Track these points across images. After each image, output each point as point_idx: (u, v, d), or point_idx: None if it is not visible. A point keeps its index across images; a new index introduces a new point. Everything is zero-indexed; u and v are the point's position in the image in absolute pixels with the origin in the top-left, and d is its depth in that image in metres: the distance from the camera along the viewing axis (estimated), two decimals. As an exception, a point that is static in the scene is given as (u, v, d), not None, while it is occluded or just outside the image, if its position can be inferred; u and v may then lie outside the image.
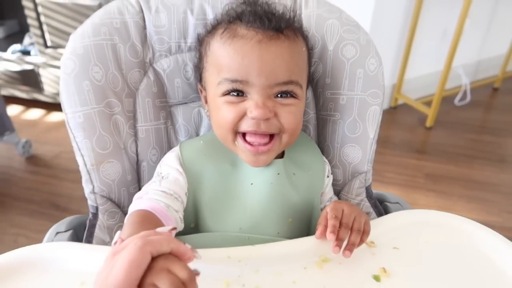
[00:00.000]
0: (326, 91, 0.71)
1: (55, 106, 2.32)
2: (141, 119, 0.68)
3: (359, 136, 0.69)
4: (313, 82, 0.72)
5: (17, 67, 2.28)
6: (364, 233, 0.56)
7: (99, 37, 0.64)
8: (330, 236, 0.53)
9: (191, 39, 0.69)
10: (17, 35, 2.47)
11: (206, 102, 0.65)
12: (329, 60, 0.69)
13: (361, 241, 0.55)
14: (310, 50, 0.66)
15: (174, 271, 0.37)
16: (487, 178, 1.90)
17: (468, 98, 2.50)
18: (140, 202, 0.55)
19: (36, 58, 2.19)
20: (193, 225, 0.62)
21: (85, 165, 0.63)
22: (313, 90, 0.72)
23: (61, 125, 2.20)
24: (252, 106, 0.56)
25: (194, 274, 0.39)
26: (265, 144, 0.59)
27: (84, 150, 0.63)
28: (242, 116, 0.58)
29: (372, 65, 0.67)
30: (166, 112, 0.71)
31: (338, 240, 0.54)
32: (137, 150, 0.69)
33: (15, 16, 2.52)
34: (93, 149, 0.63)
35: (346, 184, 0.72)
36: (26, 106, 2.35)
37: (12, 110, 2.27)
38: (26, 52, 2.26)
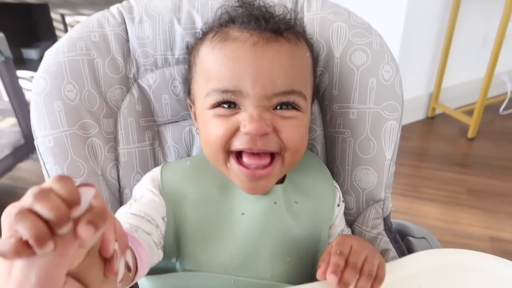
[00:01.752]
0: (333, 105, 0.61)
1: None
2: (122, 141, 0.61)
3: (373, 157, 0.59)
4: (319, 94, 0.62)
5: None
6: (376, 279, 0.46)
7: (74, 52, 0.57)
8: (331, 278, 0.44)
9: (178, 51, 0.62)
10: None
11: (196, 118, 0.57)
12: (336, 68, 0.59)
13: None
14: (315, 58, 0.57)
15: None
16: (538, 194, 1.75)
17: None
18: None
19: None
20: (174, 259, 0.53)
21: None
22: (319, 103, 0.63)
23: None
24: (246, 119, 0.47)
25: (65, 177, 0.28)
26: (265, 166, 0.49)
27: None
28: (235, 131, 0.49)
29: (387, 73, 0.57)
30: (152, 132, 0.64)
31: (342, 284, 0.44)
32: (118, 176, 0.61)
33: (50, 38, 2.62)
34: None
35: (360, 214, 0.61)
36: None
37: None
38: None
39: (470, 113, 2.12)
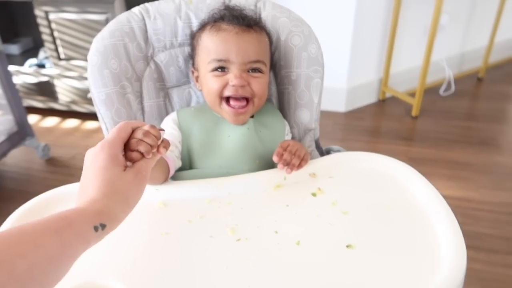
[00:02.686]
0: (281, 71, 0.95)
1: (69, 114, 2.56)
2: (146, 97, 0.93)
3: (307, 102, 0.93)
4: (273, 65, 0.96)
5: (34, 80, 2.52)
6: (303, 159, 0.80)
7: (114, 38, 0.89)
8: (275, 157, 0.78)
9: (180, 38, 0.94)
10: (31, 50, 2.73)
11: (197, 80, 0.90)
12: (282, 47, 0.93)
13: (300, 165, 0.79)
14: (271, 42, 0.91)
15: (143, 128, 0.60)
16: (466, 159, 2.07)
17: (453, 88, 2.67)
18: None
19: (51, 70, 2.43)
20: (188, 167, 0.87)
21: (107, 130, 0.88)
22: (273, 71, 0.96)
23: (75, 130, 2.45)
24: (232, 77, 0.81)
25: (154, 126, 0.61)
26: (243, 107, 0.83)
27: (106, 119, 0.88)
28: (225, 85, 0.82)
29: (313, 49, 0.91)
30: (164, 92, 0.96)
31: (283, 160, 0.78)
32: (144, 120, 0.93)
33: (28, 33, 2.79)
34: (112, 118, 0.88)
35: (301, 140, 0.95)
36: (43, 115, 2.59)
37: (31, 118, 2.45)
38: (41, 66, 2.50)
39: (414, 95, 2.40)
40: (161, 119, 0.94)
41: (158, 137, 0.60)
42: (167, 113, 0.96)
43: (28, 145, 2.09)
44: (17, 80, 2.53)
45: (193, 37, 0.90)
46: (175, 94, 0.97)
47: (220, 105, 0.84)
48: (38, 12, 2.22)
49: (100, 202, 0.50)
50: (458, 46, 2.82)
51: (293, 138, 0.96)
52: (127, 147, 0.58)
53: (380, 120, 2.51)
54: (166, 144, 0.61)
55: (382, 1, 2.31)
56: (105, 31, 0.90)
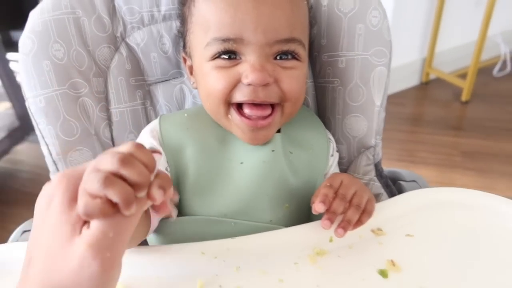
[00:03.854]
0: (322, 54, 0.61)
1: None
2: (114, 100, 0.61)
3: (363, 104, 0.60)
4: (310, 46, 0.62)
5: None
6: (365, 212, 0.47)
7: (59, 11, 0.57)
8: (319, 206, 0.45)
9: (165, 7, 0.62)
10: None
11: (191, 73, 0.58)
12: (324, 17, 0.59)
13: (360, 221, 0.47)
14: (309, 7, 0.57)
15: (117, 150, 0.31)
16: (531, 153, 1.80)
17: (509, 68, 2.40)
18: None
19: None
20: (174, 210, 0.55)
21: (50, 154, 0.58)
22: (308, 54, 0.63)
23: None
24: (248, 69, 0.48)
25: (141, 145, 0.32)
26: (265, 117, 0.50)
27: (48, 138, 0.57)
28: (236, 83, 0.50)
29: (374, 18, 0.57)
30: (143, 91, 0.64)
31: (330, 213, 0.46)
32: (112, 135, 0.62)
33: None
34: (58, 136, 0.57)
35: (352, 162, 0.62)
36: None
37: None
38: None
39: (464, 76, 2.14)
40: (139, 132, 0.62)
41: (150, 168, 0.31)
42: (148, 123, 0.64)
43: (33, 141, 1.89)
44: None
45: (184, 2, 0.57)
46: (159, 93, 0.65)
47: (227, 114, 0.52)
48: None
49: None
50: None
51: (340, 160, 0.62)
52: None
53: (423, 106, 2.23)
54: (164, 182, 0.32)
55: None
56: (48, 0, 0.58)
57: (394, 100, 2.24)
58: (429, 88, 2.31)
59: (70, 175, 0.31)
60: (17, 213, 1.62)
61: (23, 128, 1.83)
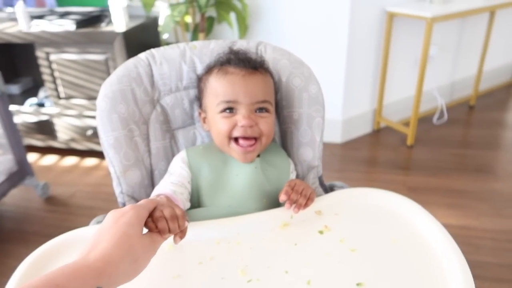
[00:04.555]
0: (283, 110, 0.98)
1: (68, 152, 2.57)
2: (153, 139, 0.96)
3: (309, 141, 0.96)
4: (276, 105, 0.99)
5: (34, 119, 2.53)
6: (309, 199, 0.82)
7: (121, 84, 0.92)
8: (282, 197, 0.80)
9: (185, 81, 0.98)
10: (31, 90, 2.76)
11: (204, 122, 0.93)
12: (284, 88, 0.96)
13: (306, 204, 0.81)
14: (275, 82, 0.94)
15: (174, 208, 0.66)
16: (464, 186, 2.08)
17: (446, 117, 2.72)
18: (157, 189, 0.83)
19: (51, 109, 2.44)
20: (196, 205, 0.88)
21: (115, 172, 0.90)
22: (276, 111, 1.00)
23: (75, 168, 2.44)
24: (241, 117, 0.84)
25: (185, 214, 0.66)
26: (251, 145, 0.86)
27: (115, 162, 0.89)
28: (234, 126, 0.85)
29: (313, 89, 0.95)
30: (170, 134, 0.99)
31: (290, 200, 0.80)
32: (150, 162, 0.95)
33: (29, 73, 2.83)
34: (121, 161, 0.90)
35: (305, 177, 0.98)
36: (42, 153, 2.60)
37: (30, 157, 2.44)
38: (41, 105, 2.52)
39: (408, 124, 2.44)
40: (167, 160, 0.96)
41: (181, 227, 0.66)
42: (173, 155, 0.98)
43: (28, 184, 2.09)
44: (17, 119, 2.54)
45: (200, 80, 0.94)
46: (180, 135, 1.00)
47: (228, 144, 0.87)
48: (40, 53, 2.27)
49: (107, 260, 0.50)
50: (448, 76, 2.87)
51: (297, 176, 0.98)
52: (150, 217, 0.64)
53: (376, 150, 2.53)
54: (183, 234, 0.68)
55: (373, 35, 2.38)
56: (113, 77, 0.93)
57: (351, 145, 2.54)
58: (380, 134, 2.62)
59: (136, 206, 0.61)
60: (16, 250, 1.76)
61: (20, 172, 2.03)
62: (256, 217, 0.82)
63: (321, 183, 0.97)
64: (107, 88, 0.91)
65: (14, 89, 2.75)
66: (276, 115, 1.00)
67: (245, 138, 0.85)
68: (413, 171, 2.27)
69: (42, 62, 2.30)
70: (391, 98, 2.62)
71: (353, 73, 2.40)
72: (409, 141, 2.47)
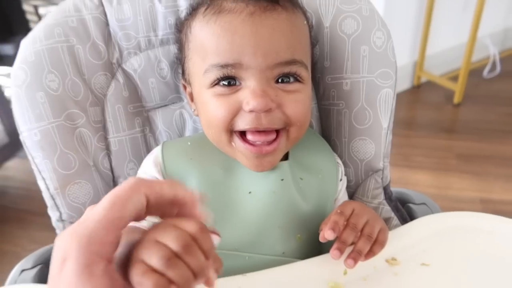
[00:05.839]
0: (326, 76, 0.60)
1: None
2: (112, 129, 0.59)
3: (370, 127, 0.58)
4: (312, 68, 0.61)
5: None
6: (376, 242, 0.46)
7: (52, 39, 0.55)
8: (328, 233, 0.44)
9: (162, 31, 0.60)
10: None
11: (192, 99, 0.56)
12: (326, 38, 0.58)
13: (371, 251, 0.46)
14: (310, 27, 0.55)
15: (180, 225, 0.31)
16: (525, 153, 1.81)
17: (498, 69, 2.41)
18: None
19: None
20: None
21: (48, 189, 0.55)
22: (312, 78, 0.61)
23: None
24: (249, 95, 0.46)
25: (204, 226, 0.32)
26: (270, 142, 0.48)
27: (45, 173, 0.54)
28: (237, 110, 0.47)
29: (379, 40, 0.56)
30: (142, 118, 0.62)
31: (340, 242, 0.44)
32: (111, 165, 0.60)
33: (24, 31, 2.55)
34: (55, 170, 0.54)
35: (360, 186, 0.61)
36: None
37: None
38: None
39: (455, 79, 2.15)
40: (138, 161, 0.61)
41: (208, 256, 0.32)
42: (148, 151, 0.62)
43: (23, 156, 1.87)
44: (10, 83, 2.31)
45: (180, 29, 0.55)
46: (158, 119, 0.63)
47: (230, 142, 0.50)
48: (27, 7, 2.09)
49: None
50: (501, 21, 2.55)
51: (347, 183, 0.61)
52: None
53: (415, 109, 2.23)
54: (218, 264, 0.34)
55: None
56: (40, 27, 0.56)
57: (386, 104, 2.27)
58: (421, 91, 2.32)
59: (80, 235, 0.29)
60: (9, 232, 1.59)
61: (12, 144, 1.81)
62: (282, 273, 0.47)
63: (389, 197, 0.60)
64: (28, 48, 0.55)
65: (8, 49, 2.44)
66: (313, 85, 0.62)
67: (258, 131, 0.48)
68: (462, 134, 1.96)
69: (30, 17, 2.12)
70: (434, 49, 2.29)
71: (392, 19, 2.03)
72: (457, 99, 2.14)
